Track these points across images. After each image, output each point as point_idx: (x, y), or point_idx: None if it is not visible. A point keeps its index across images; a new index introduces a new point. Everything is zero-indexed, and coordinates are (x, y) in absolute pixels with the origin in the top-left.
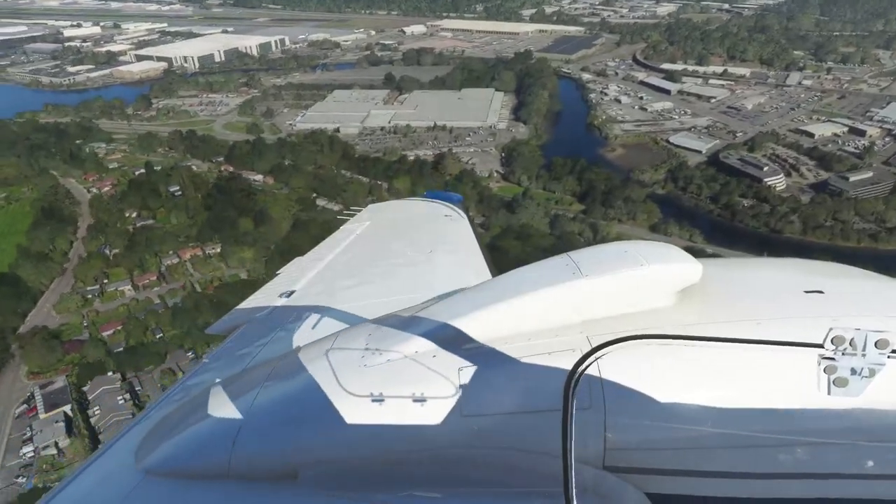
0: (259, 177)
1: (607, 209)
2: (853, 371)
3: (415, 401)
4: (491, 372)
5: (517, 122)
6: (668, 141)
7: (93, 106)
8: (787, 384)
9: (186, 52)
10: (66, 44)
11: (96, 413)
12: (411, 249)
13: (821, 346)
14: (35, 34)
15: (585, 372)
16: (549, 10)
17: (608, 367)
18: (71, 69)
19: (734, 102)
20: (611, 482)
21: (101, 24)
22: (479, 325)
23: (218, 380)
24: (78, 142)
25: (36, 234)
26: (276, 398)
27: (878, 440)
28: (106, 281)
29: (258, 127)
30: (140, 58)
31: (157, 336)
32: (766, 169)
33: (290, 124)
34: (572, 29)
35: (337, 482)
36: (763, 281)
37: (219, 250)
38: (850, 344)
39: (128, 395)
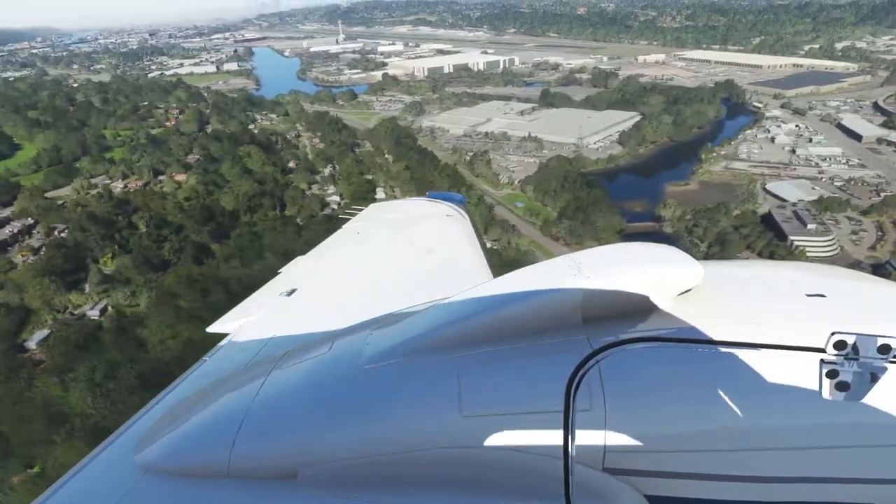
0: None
1: (557, 228)
2: (855, 376)
3: (415, 401)
4: (492, 373)
5: (618, 143)
6: (764, 187)
7: (321, 95)
8: (788, 388)
9: (425, 65)
10: (368, 55)
11: None
12: (412, 249)
13: (822, 350)
14: (358, 49)
15: (586, 374)
16: (841, 45)
17: (609, 370)
18: (345, 72)
19: None
20: (610, 484)
21: (408, 43)
22: (480, 326)
23: (218, 378)
24: (263, 112)
25: (126, 149)
26: (276, 397)
27: (880, 445)
28: (120, 179)
29: (392, 120)
30: (393, 67)
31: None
32: (810, 227)
33: (421, 121)
34: (840, 65)
35: (337, 482)
36: (764, 284)
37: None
38: (853, 348)
39: (17, 230)
